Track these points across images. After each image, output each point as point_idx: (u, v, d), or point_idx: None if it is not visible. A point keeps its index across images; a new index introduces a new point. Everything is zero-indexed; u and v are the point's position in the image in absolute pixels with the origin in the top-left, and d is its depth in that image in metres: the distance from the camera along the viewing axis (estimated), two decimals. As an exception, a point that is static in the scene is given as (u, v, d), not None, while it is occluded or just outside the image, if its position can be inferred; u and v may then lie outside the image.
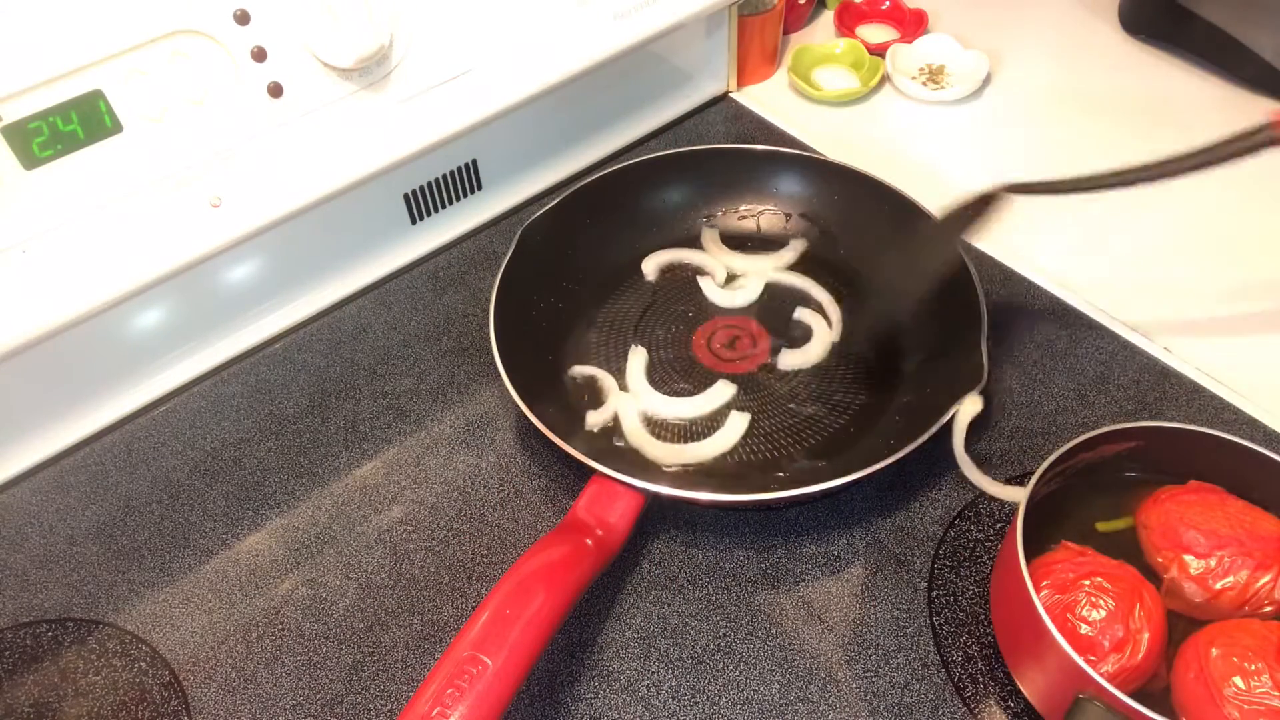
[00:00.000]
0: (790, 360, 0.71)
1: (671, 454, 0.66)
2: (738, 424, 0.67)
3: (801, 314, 0.74)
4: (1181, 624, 0.52)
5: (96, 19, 0.52)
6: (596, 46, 0.73)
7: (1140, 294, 0.76)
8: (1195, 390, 0.69)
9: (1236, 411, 0.68)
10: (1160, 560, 0.54)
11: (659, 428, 0.68)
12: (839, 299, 0.75)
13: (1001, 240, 0.80)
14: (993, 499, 0.64)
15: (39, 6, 0.51)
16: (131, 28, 0.53)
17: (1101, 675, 0.46)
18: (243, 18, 0.56)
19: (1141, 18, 0.97)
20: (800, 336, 0.73)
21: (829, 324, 0.73)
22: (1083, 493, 0.57)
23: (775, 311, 0.75)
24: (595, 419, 0.68)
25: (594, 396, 0.70)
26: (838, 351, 0.72)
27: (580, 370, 0.71)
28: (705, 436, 0.67)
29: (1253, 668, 0.47)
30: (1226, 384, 0.69)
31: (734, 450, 0.66)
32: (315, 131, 0.62)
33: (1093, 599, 0.50)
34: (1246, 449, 0.54)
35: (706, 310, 0.75)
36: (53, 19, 0.51)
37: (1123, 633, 0.49)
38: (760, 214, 0.81)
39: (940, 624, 0.58)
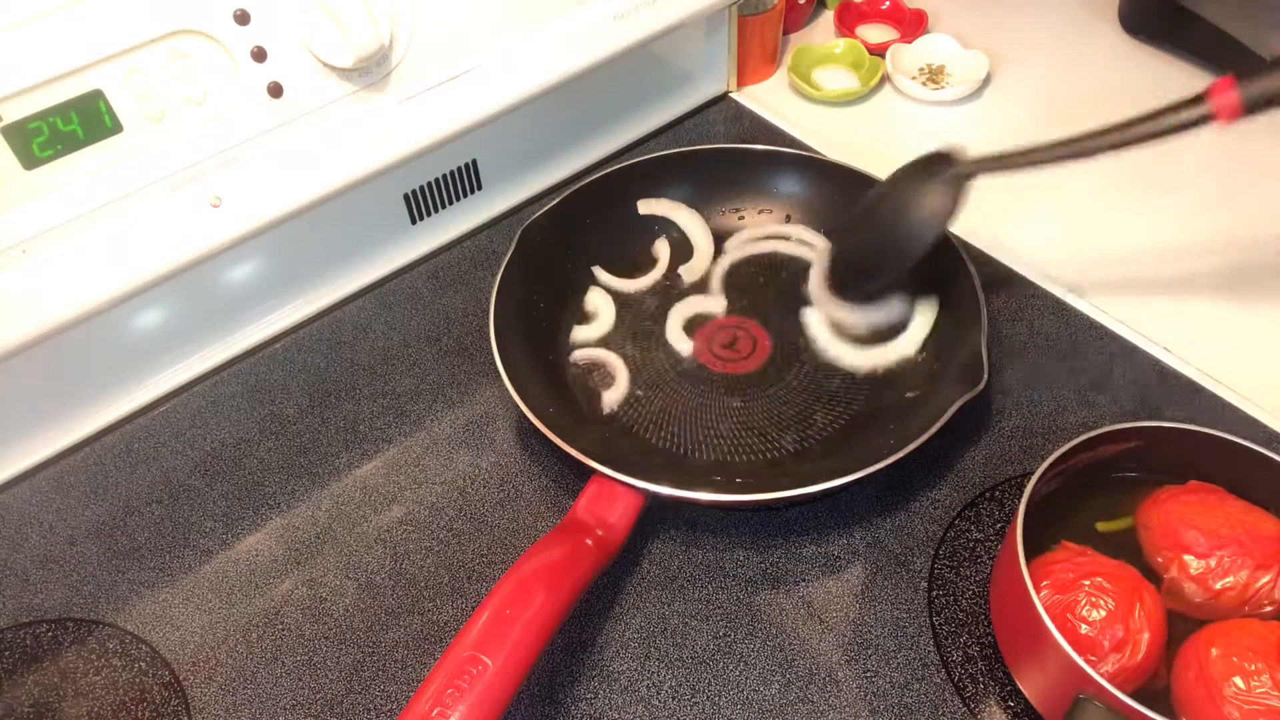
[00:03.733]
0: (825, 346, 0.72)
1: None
2: None
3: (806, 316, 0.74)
4: (1181, 624, 0.52)
5: (96, 19, 0.52)
6: (596, 46, 0.73)
7: (1140, 294, 0.76)
8: (1195, 390, 0.69)
9: (1236, 411, 0.68)
10: (1160, 560, 0.54)
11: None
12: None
13: (1001, 240, 0.80)
14: (993, 499, 0.64)
15: (39, 6, 0.51)
16: (131, 28, 0.53)
17: (1101, 675, 0.46)
18: (243, 18, 0.56)
19: (1141, 18, 0.97)
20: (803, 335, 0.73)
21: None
22: (1083, 493, 0.57)
23: (779, 310, 0.75)
24: (612, 397, 0.69)
25: (602, 378, 0.71)
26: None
27: (582, 355, 0.72)
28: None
29: (1253, 668, 0.47)
30: (1226, 384, 0.69)
31: (734, 450, 0.66)
32: (315, 131, 0.62)
33: (1093, 599, 0.50)
34: (1246, 449, 0.54)
35: (705, 312, 0.75)
36: (53, 19, 0.51)
37: (1123, 633, 0.49)
38: (760, 214, 0.81)
39: (940, 624, 0.58)
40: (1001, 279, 0.77)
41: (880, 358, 0.70)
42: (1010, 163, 0.62)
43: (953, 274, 0.69)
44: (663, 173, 0.79)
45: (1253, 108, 0.53)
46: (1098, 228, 0.81)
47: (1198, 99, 0.54)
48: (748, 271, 0.77)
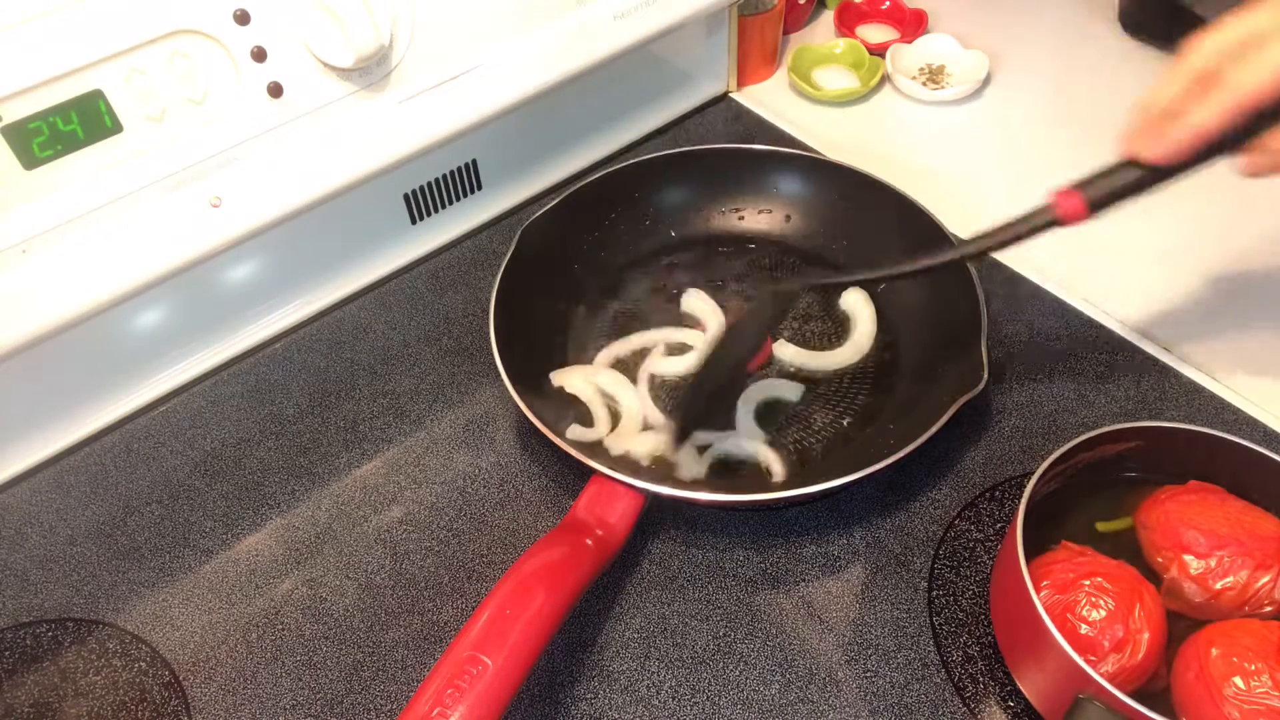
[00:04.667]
0: (792, 358, 0.71)
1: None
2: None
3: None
4: (1181, 624, 0.52)
5: (96, 19, 0.52)
6: (596, 46, 0.73)
7: (1140, 294, 0.76)
8: (1195, 390, 0.69)
9: (1236, 411, 0.68)
10: (1160, 560, 0.54)
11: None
12: (835, 299, 0.75)
13: (1001, 240, 0.80)
14: (993, 499, 0.64)
15: (39, 6, 0.51)
16: (131, 28, 0.53)
17: (1101, 675, 0.46)
18: (243, 18, 0.56)
19: (1141, 18, 0.97)
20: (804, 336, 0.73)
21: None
22: (1083, 493, 0.57)
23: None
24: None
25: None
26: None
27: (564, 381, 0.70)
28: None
29: (1253, 668, 0.47)
30: (1226, 384, 0.69)
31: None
32: (315, 131, 0.62)
33: (1093, 599, 0.50)
34: (1246, 449, 0.54)
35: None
36: (53, 19, 0.51)
37: (1123, 633, 0.49)
38: (760, 214, 0.81)
39: (940, 624, 0.58)
40: (1001, 279, 0.77)
41: (838, 360, 0.71)
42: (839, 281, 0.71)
43: (953, 275, 0.69)
44: (663, 173, 0.79)
45: (1096, 208, 0.59)
46: (1098, 227, 0.81)
47: (1047, 208, 0.58)
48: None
